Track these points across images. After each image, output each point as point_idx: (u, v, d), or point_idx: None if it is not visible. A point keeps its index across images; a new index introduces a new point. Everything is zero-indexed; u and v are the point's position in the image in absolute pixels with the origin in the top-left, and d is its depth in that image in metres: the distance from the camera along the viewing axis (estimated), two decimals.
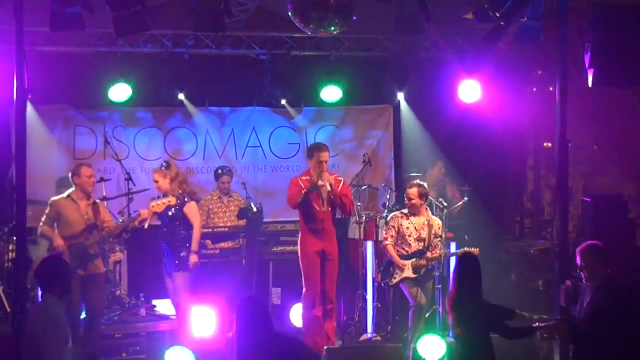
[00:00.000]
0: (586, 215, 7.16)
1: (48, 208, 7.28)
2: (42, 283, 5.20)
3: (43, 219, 7.26)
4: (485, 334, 5.48)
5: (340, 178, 7.69)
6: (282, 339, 5.07)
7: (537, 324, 5.52)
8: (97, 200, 7.52)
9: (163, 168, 7.65)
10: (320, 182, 7.42)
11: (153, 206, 7.32)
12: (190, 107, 9.45)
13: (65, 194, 7.32)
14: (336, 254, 7.59)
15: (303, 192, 7.43)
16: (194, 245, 7.48)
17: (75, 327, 6.76)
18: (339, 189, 7.51)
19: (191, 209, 7.50)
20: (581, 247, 5.47)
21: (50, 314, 5.01)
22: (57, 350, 4.92)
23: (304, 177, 7.61)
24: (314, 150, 7.60)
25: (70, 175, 7.37)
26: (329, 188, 7.42)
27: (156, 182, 7.57)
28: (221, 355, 7.27)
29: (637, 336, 5.19)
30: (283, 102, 9.61)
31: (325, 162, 7.51)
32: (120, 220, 7.78)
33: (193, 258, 7.46)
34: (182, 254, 7.48)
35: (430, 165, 8.96)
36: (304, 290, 7.58)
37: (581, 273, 5.40)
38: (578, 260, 5.44)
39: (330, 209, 7.54)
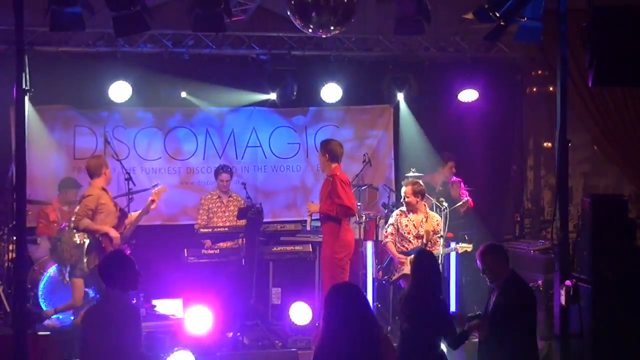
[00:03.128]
0: (586, 215, 7.14)
1: (85, 201, 7.26)
2: (105, 278, 5.15)
3: (79, 214, 7.24)
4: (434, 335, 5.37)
5: (329, 178, 7.66)
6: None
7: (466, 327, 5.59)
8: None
9: None
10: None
11: (155, 192, 7.55)
12: (194, 101, 9.40)
13: (97, 186, 7.38)
14: (322, 256, 7.79)
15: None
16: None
17: None
18: (328, 191, 7.58)
19: None
20: (480, 251, 5.66)
21: (105, 310, 5.03)
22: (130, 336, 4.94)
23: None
24: None
25: (100, 166, 7.44)
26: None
27: None
28: (221, 355, 7.28)
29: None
30: (278, 101, 9.60)
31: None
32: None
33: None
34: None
35: (442, 164, 8.99)
36: None
37: (485, 275, 5.60)
38: (479, 263, 5.62)
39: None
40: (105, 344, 4.88)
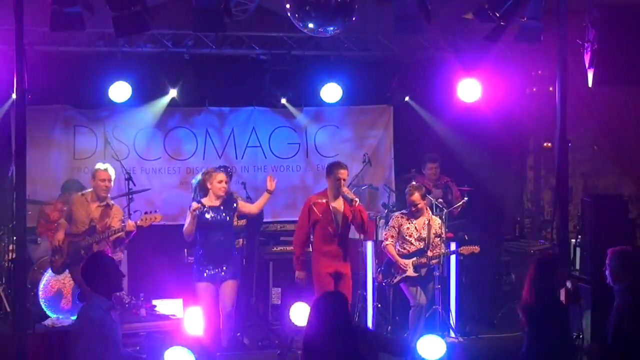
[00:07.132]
0: (586, 215, 7.15)
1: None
2: (87, 281, 5.12)
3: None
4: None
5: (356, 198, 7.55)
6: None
7: None
8: (112, 204, 7.54)
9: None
10: (354, 199, 7.32)
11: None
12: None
13: (86, 191, 7.56)
14: (350, 273, 7.51)
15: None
16: None
17: None
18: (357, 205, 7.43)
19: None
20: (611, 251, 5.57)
21: (90, 315, 4.93)
22: (90, 351, 4.83)
23: (319, 200, 7.46)
24: (333, 167, 7.49)
25: (92, 176, 7.55)
26: (357, 201, 7.35)
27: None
28: (221, 355, 7.28)
29: None
30: (283, 101, 9.61)
31: (344, 180, 7.44)
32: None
33: None
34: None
35: (423, 166, 9.04)
36: None
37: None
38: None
39: (344, 230, 7.47)
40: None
